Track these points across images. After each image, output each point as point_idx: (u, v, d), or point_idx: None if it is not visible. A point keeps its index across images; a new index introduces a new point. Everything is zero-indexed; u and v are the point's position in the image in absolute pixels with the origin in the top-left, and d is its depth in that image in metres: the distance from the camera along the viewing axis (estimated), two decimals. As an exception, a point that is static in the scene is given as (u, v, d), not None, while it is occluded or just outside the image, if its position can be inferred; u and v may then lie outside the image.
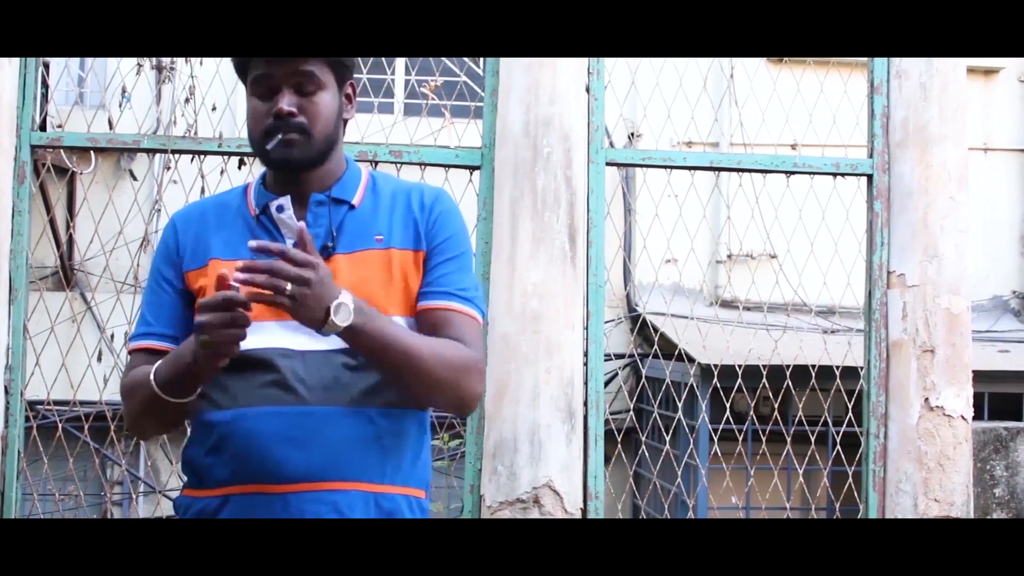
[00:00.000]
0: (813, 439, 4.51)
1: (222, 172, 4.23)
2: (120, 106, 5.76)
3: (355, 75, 2.33)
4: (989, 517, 5.08)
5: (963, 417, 4.11)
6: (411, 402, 2.26)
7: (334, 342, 2.15)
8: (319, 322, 2.00)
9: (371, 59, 6.48)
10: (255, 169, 5.09)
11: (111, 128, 5.28)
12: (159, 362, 2.16)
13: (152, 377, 2.14)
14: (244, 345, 2.12)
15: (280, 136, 2.15)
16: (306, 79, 2.18)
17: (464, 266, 2.31)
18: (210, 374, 2.08)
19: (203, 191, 4.59)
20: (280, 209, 2.22)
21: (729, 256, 7.44)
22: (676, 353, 5.02)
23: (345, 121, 2.33)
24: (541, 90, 4.00)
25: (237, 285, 1.94)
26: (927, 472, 4.07)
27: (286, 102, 2.15)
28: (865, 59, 4.37)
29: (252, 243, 1.99)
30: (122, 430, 6.16)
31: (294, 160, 2.19)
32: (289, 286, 1.94)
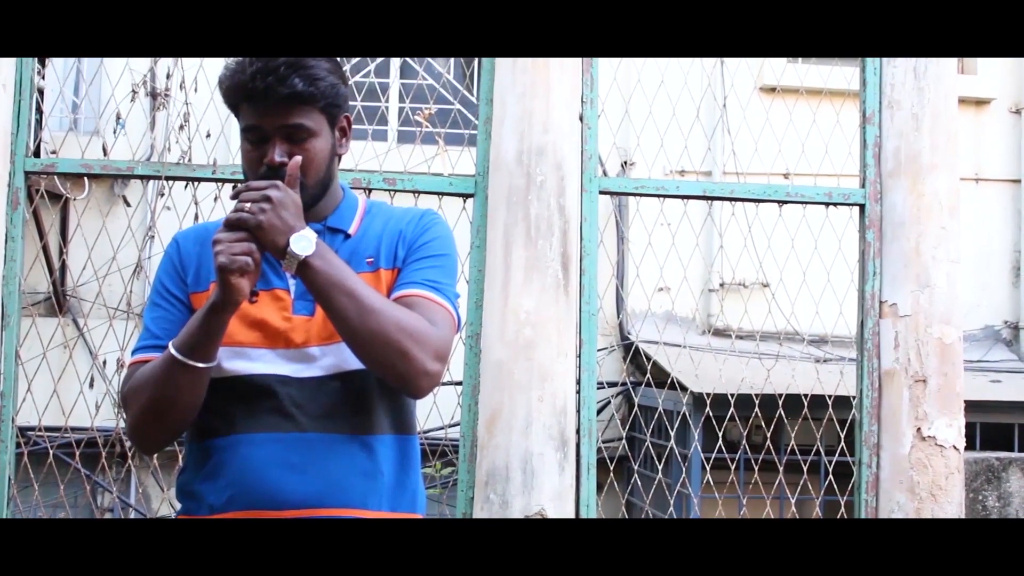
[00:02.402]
0: (805, 468, 4.51)
1: (216, 199, 4.24)
2: (114, 132, 5.77)
3: (350, 102, 2.33)
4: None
5: (955, 447, 4.11)
6: (405, 427, 2.28)
7: (329, 368, 2.16)
8: (280, 251, 2.03)
9: (365, 87, 6.49)
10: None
11: (105, 154, 5.28)
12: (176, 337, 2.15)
13: (171, 345, 2.11)
14: (241, 371, 2.14)
15: None
16: (295, 130, 2.17)
17: (441, 266, 2.29)
18: (231, 306, 2.07)
19: (197, 218, 4.58)
20: None
21: (722, 285, 7.45)
22: (669, 381, 5.01)
23: (340, 155, 2.33)
24: (535, 118, 4.01)
25: (247, 206, 2.03)
26: (919, 502, 4.07)
27: (277, 153, 2.15)
28: (857, 89, 4.39)
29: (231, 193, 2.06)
30: (113, 456, 6.14)
31: None
32: (248, 205, 2.02)
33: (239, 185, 2.09)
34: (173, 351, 2.10)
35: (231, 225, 2.03)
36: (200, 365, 2.10)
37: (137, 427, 2.21)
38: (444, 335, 2.18)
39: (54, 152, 5.94)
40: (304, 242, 2.04)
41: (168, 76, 6.55)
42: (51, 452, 4.21)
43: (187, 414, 2.17)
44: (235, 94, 2.19)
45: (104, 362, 6.07)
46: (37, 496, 4.32)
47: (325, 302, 2.09)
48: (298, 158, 2.13)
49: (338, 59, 2.28)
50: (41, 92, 6.31)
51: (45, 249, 6.44)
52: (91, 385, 5.66)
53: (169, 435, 2.22)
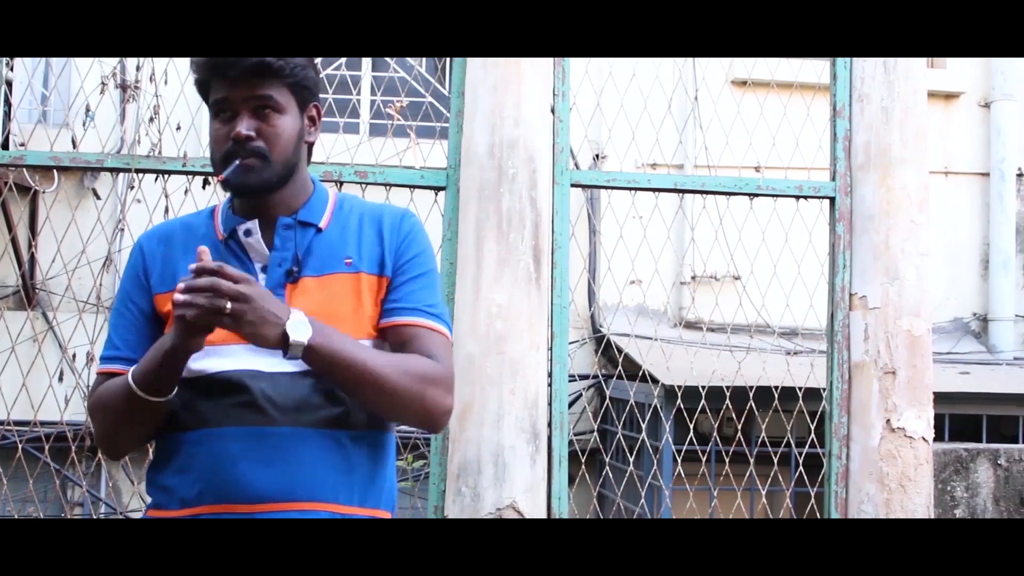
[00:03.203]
0: (776, 460, 4.53)
1: (186, 192, 4.22)
2: (84, 125, 5.73)
3: (320, 95, 2.33)
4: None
5: (924, 438, 4.14)
6: (379, 423, 2.28)
7: (302, 364, 2.16)
8: (277, 342, 2.02)
9: (336, 80, 6.47)
10: (219, 189, 5.07)
11: (74, 147, 5.26)
12: (136, 365, 2.15)
13: (129, 376, 2.12)
14: (213, 368, 2.13)
15: (237, 161, 2.15)
16: (264, 102, 2.18)
17: (431, 284, 2.32)
18: (189, 353, 2.07)
19: (167, 211, 4.57)
20: (248, 233, 2.23)
21: (693, 277, 7.47)
22: (640, 374, 5.03)
23: (310, 145, 2.33)
24: (506, 111, 4.01)
25: (211, 263, 1.98)
26: (889, 493, 4.09)
27: (244, 126, 2.16)
28: (827, 83, 4.41)
29: (192, 267, 1.99)
30: (83, 451, 6.10)
31: (251, 185, 2.19)
32: (229, 304, 1.96)
33: (194, 266, 2.00)
34: (133, 385, 2.12)
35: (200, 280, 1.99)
36: (157, 400, 2.13)
37: (102, 441, 2.27)
38: (449, 366, 2.25)
39: (23, 144, 5.90)
40: (301, 327, 2.03)
41: (138, 68, 6.52)
42: (20, 446, 4.19)
43: (149, 431, 2.23)
44: (206, 68, 2.21)
45: (74, 356, 6.04)
46: (6, 491, 4.29)
47: (335, 377, 2.11)
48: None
49: None
50: (9, 84, 6.26)
51: (14, 242, 6.41)
52: (60, 379, 5.63)
53: (133, 446, 2.28)
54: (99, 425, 2.24)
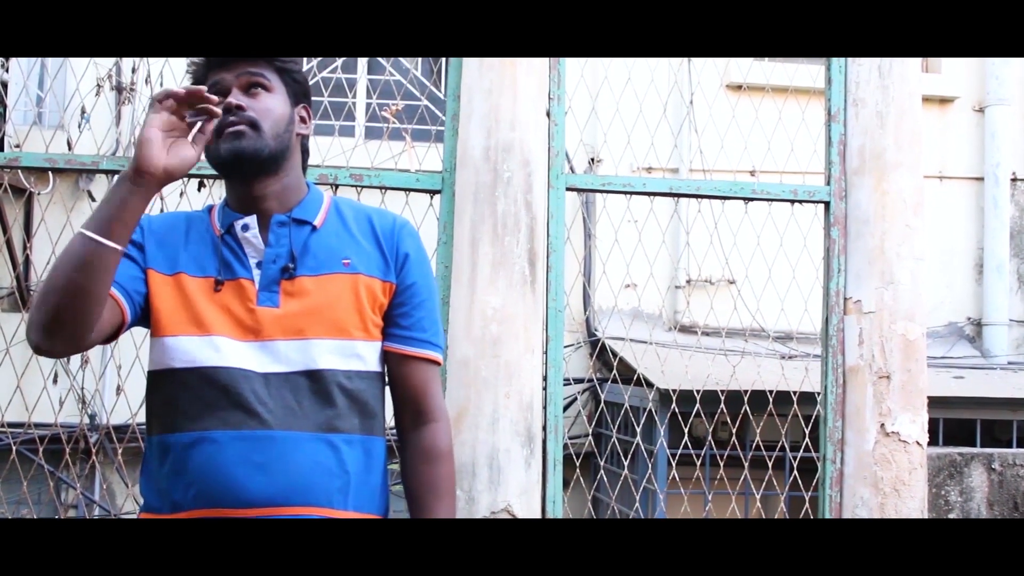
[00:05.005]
0: (770, 464, 4.53)
1: (181, 194, 4.22)
2: (79, 127, 5.73)
3: (316, 98, 2.35)
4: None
5: (918, 443, 4.14)
6: (372, 427, 2.28)
7: (295, 364, 2.16)
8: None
9: (332, 83, 6.47)
10: (215, 192, 5.07)
11: (70, 149, 5.25)
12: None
13: (80, 227, 2.07)
14: (204, 363, 2.13)
15: (229, 129, 2.17)
16: (255, 79, 2.23)
17: (435, 304, 2.38)
18: (138, 183, 2.05)
19: (162, 213, 4.55)
20: (245, 228, 2.24)
21: (688, 281, 7.47)
22: (635, 378, 5.03)
23: (304, 143, 2.35)
24: (502, 115, 4.01)
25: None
26: (883, 497, 4.09)
27: (235, 96, 2.20)
28: (822, 87, 4.41)
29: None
30: (77, 452, 6.09)
31: (244, 151, 2.19)
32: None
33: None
34: (82, 230, 2.04)
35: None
36: (107, 243, 2.03)
37: (35, 309, 2.09)
38: (442, 400, 2.43)
39: (18, 146, 5.90)
40: None
41: (134, 70, 6.51)
42: (14, 448, 4.18)
43: (79, 299, 2.05)
44: (202, 62, 2.27)
45: (68, 358, 6.03)
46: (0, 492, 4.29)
47: None
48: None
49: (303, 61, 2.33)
50: (5, 85, 6.27)
51: (8, 244, 6.40)
52: (55, 381, 5.63)
53: (63, 323, 2.08)
54: (37, 300, 2.07)
